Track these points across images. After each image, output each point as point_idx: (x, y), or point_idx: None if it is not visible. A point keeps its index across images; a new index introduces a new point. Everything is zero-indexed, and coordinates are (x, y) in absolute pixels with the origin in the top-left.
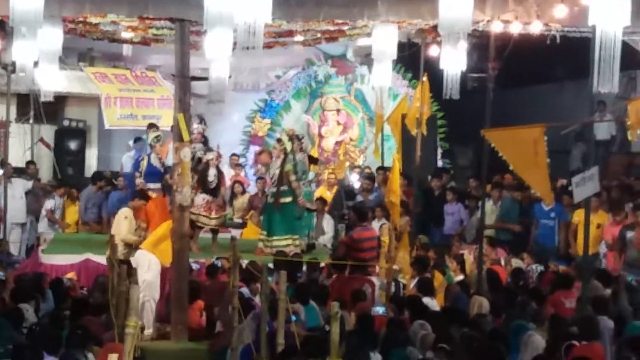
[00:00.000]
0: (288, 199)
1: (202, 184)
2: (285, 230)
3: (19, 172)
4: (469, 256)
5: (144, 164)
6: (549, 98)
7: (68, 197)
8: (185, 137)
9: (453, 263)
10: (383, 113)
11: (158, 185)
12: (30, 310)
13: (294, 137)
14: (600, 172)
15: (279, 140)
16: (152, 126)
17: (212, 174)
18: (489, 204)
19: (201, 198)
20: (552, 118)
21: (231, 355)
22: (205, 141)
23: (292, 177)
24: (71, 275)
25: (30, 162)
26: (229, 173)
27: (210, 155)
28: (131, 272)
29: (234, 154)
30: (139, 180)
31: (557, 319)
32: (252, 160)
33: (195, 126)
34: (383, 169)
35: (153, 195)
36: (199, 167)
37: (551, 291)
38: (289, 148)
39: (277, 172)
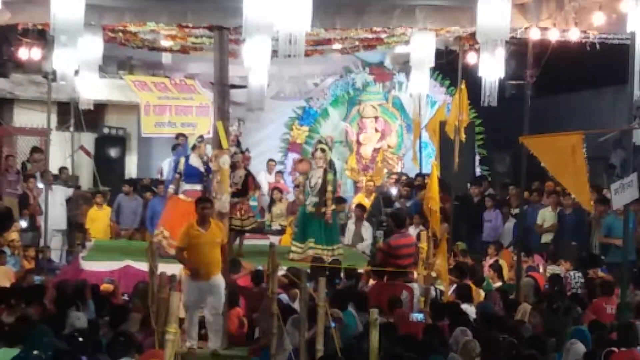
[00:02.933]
0: (332, 208)
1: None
2: (329, 240)
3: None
4: (504, 262)
5: (181, 165)
6: (587, 105)
7: (95, 204)
8: (225, 144)
9: (490, 271)
10: (421, 120)
11: (197, 187)
12: (82, 318)
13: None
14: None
15: (322, 150)
16: (180, 136)
17: (237, 175)
18: (547, 210)
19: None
20: (591, 125)
21: None
22: (238, 144)
23: (330, 188)
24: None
25: (64, 168)
26: (266, 179)
27: (236, 158)
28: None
29: (271, 160)
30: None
31: (597, 325)
32: (290, 167)
33: (234, 128)
34: (421, 175)
35: (185, 197)
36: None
37: (592, 297)
38: (329, 157)
39: (320, 181)
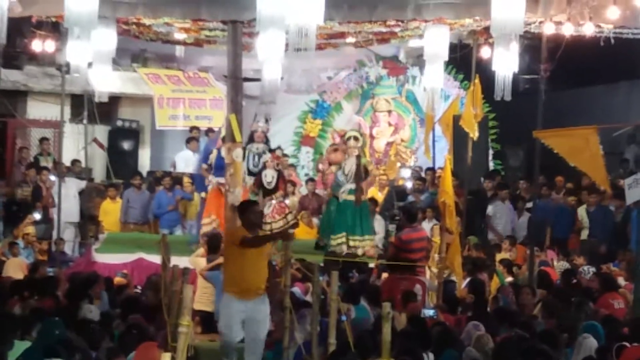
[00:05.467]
0: (367, 197)
1: (259, 186)
2: (364, 230)
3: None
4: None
5: (213, 157)
6: (602, 99)
7: (108, 196)
8: (238, 137)
9: (500, 266)
10: (434, 114)
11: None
12: (95, 310)
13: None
14: None
15: (356, 138)
16: (194, 129)
17: (269, 175)
18: (582, 209)
19: (267, 206)
20: (605, 120)
21: (284, 355)
22: (266, 141)
23: (365, 172)
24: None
25: (77, 160)
26: None
27: (265, 157)
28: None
29: (284, 154)
30: (209, 176)
31: (610, 320)
32: (304, 160)
33: (261, 125)
34: (432, 169)
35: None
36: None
37: (600, 293)
38: (362, 143)
39: (354, 167)
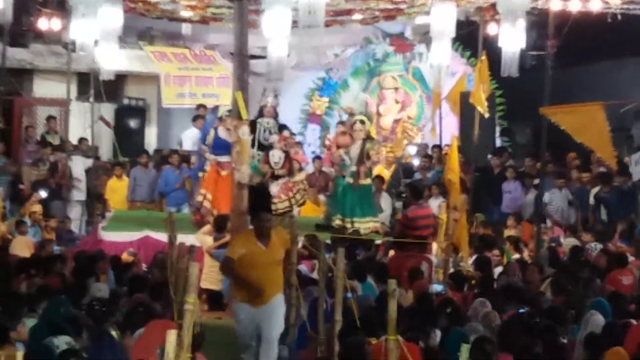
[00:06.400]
0: (368, 181)
1: (266, 163)
2: (366, 212)
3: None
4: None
5: (210, 137)
6: (608, 76)
7: (114, 175)
8: (244, 115)
9: (507, 243)
10: (441, 91)
11: (227, 158)
12: (104, 288)
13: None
14: None
15: (362, 122)
16: (201, 107)
17: (276, 155)
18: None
19: (275, 185)
20: (611, 96)
21: (290, 332)
22: (276, 116)
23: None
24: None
25: (83, 139)
26: None
27: (272, 138)
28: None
29: (292, 133)
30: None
31: (617, 297)
32: (310, 137)
33: (270, 100)
34: (439, 147)
35: (222, 172)
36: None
37: (608, 270)
38: (368, 127)
39: (358, 152)
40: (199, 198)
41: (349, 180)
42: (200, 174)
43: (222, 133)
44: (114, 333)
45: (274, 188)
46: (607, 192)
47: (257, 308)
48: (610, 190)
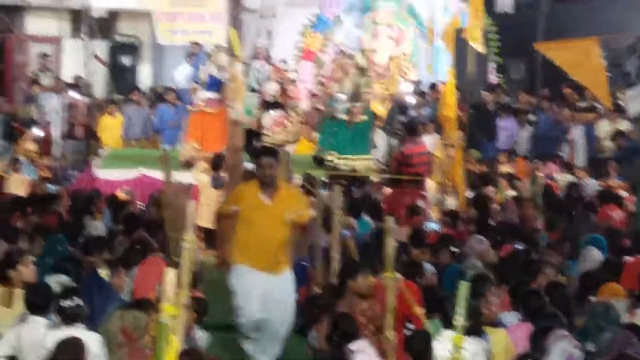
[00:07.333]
0: (365, 117)
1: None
2: (360, 150)
3: (72, 87)
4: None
5: (203, 75)
6: (603, 12)
7: (107, 112)
8: (237, 51)
9: (502, 179)
10: (434, 27)
11: (215, 95)
12: (100, 226)
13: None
14: None
15: (350, 57)
16: (194, 44)
17: (272, 88)
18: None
19: (269, 117)
20: (606, 31)
21: None
22: (269, 58)
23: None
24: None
25: (79, 77)
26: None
27: (263, 73)
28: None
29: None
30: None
31: (611, 232)
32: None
33: (262, 41)
34: (434, 85)
35: (208, 109)
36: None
37: (599, 205)
38: (363, 64)
39: (351, 87)
40: (189, 151)
41: (343, 116)
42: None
43: (212, 69)
44: (103, 272)
45: (268, 121)
46: None
47: (261, 272)
48: None
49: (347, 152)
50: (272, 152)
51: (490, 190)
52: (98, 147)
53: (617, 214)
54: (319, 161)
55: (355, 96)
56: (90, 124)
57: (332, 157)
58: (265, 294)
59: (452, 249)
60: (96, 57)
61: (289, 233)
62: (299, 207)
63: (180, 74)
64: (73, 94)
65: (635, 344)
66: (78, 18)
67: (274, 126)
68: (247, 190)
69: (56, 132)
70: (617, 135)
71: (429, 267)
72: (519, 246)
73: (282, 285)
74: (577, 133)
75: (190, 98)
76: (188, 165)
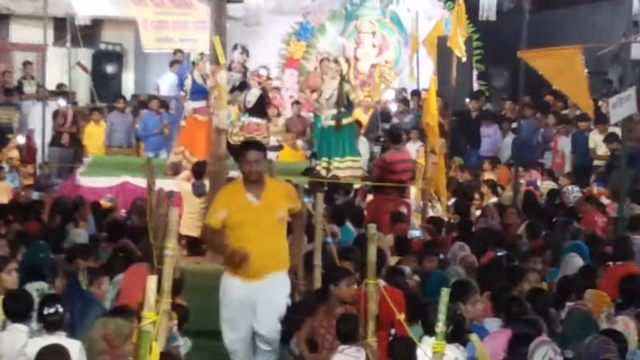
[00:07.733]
0: (349, 120)
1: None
2: (346, 152)
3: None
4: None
5: (188, 83)
6: (585, 19)
7: (92, 120)
8: (221, 60)
9: (484, 186)
10: (418, 35)
11: (203, 103)
12: (83, 234)
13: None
14: (638, 92)
15: (336, 61)
16: (178, 52)
17: (252, 94)
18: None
19: (245, 119)
20: (589, 39)
21: None
22: (244, 72)
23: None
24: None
25: (62, 84)
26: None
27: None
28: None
29: (268, 77)
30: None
31: (594, 239)
32: (288, 82)
33: (237, 55)
34: (417, 91)
35: (199, 117)
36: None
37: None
38: (345, 70)
39: (335, 93)
40: (178, 157)
41: (329, 122)
42: (183, 123)
43: (198, 77)
44: (82, 280)
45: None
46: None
47: (249, 283)
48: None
49: (338, 155)
50: (258, 145)
51: (475, 197)
52: (83, 154)
53: (601, 221)
54: (310, 171)
55: (337, 103)
56: (75, 131)
57: (323, 165)
58: (255, 305)
59: (437, 256)
60: (79, 64)
61: (283, 232)
62: (290, 202)
63: (165, 82)
64: (59, 101)
65: (612, 349)
66: (62, 26)
67: (244, 131)
68: (232, 192)
69: (39, 139)
70: (610, 138)
71: (409, 272)
72: (501, 253)
73: (272, 291)
74: (563, 141)
75: (180, 105)
76: (174, 170)
